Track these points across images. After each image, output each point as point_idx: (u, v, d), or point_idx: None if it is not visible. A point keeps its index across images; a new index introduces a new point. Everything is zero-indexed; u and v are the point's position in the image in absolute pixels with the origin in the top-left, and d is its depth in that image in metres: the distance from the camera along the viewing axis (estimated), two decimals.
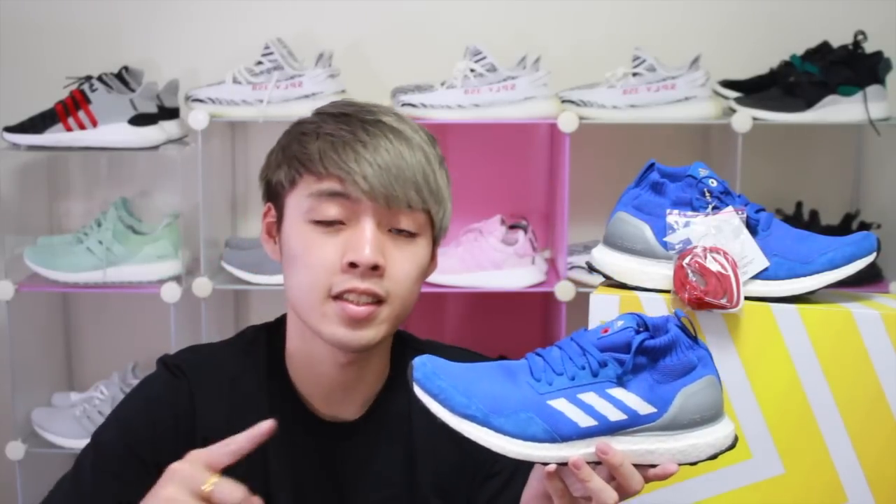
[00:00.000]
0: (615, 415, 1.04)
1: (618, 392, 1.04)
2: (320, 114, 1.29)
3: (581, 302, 2.21)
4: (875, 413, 1.20)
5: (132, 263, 2.38)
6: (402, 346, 1.37)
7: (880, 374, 1.19)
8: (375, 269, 1.21)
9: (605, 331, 1.07)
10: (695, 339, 1.07)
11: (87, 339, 2.69)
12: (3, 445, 2.43)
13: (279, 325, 1.35)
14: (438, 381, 1.05)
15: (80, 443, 2.39)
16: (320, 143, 1.23)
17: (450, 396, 1.04)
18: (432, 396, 1.05)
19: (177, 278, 2.39)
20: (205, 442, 1.26)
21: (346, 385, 1.31)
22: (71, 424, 2.42)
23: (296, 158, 1.25)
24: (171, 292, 2.36)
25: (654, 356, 1.05)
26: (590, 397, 1.04)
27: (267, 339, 1.35)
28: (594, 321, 1.24)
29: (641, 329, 1.06)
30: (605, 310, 1.24)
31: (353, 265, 1.20)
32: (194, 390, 1.30)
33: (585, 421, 1.03)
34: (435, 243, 1.31)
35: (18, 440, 2.42)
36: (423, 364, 1.06)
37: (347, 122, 1.24)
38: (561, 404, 1.04)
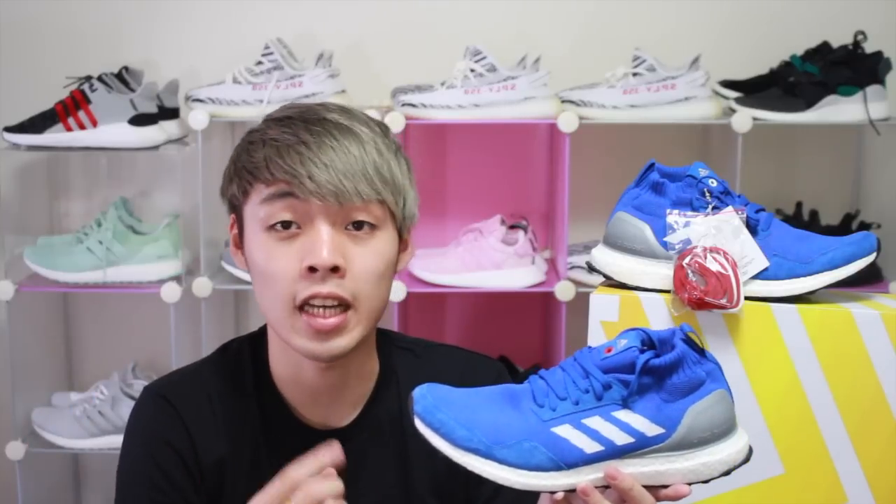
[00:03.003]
0: (622, 438, 1.01)
1: (623, 415, 1.01)
2: (266, 120, 1.29)
3: (581, 302, 2.20)
4: (875, 413, 1.20)
5: (132, 263, 2.38)
6: (389, 345, 1.37)
7: (880, 374, 1.19)
8: (336, 271, 1.20)
9: (609, 350, 1.04)
10: (702, 352, 1.03)
11: (87, 339, 2.69)
12: (3, 445, 2.43)
13: (262, 334, 1.35)
14: (439, 413, 1.03)
15: (80, 443, 2.41)
16: (266, 150, 1.23)
17: (451, 430, 1.02)
18: (434, 430, 1.03)
19: (177, 278, 2.39)
20: (215, 465, 1.29)
21: (332, 389, 1.30)
22: (71, 424, 2.42)
23: (245, 169, 1.25)
24: (171, 292, 2.36)
25: (660, 375, 1.02)
26: (595, 422, 1.01)
27: (251, 351, 1.35)
28: (594, 321, 1.24)
29: (646, 346, 1.03)
30: (605, 310, 1.24)
31: (312, 269, 1.20)
32: (184, 417, 1.30)
33: (591, 447, 1.01)
34: (403, 230, 1.30)
35: (18, 440, 2.42)
36: (423, 396, 1.04)
37: (290, 126, 1.24)
38: (565, 431, 1.01)
